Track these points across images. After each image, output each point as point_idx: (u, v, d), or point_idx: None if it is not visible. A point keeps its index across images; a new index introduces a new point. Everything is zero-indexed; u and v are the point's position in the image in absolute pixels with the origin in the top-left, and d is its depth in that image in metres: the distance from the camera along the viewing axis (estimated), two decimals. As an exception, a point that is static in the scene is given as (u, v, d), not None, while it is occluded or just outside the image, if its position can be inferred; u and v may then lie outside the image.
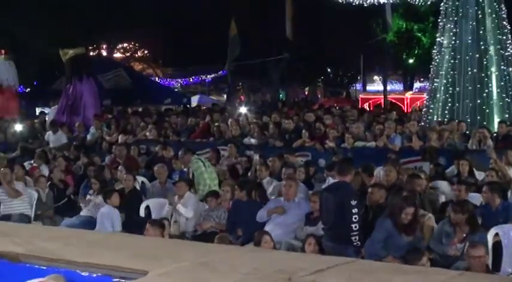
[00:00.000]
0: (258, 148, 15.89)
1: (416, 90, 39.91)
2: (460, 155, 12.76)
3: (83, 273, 5.95)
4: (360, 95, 40.10)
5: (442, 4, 19.11)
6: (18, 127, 19.58)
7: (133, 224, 10.59)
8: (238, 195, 10.68)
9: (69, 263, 6.14)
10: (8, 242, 6.89)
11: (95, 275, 5.89)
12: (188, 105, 32.38)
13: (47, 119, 24.03)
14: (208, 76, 42.93)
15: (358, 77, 45.09)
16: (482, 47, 18.12)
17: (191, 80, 44.12)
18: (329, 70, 44.13)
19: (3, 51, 25.25)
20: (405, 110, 28.79)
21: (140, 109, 27.43)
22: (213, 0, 33.13)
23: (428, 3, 20.60)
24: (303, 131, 16.75)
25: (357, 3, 19.74)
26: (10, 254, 6.50)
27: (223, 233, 9.91)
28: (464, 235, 8.41)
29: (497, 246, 8.50)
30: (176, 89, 41.51)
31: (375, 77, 46.48)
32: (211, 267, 5.79)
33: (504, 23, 18.29)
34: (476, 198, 9.96)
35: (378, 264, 6.19)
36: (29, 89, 33.71)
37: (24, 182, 12.38)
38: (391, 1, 21.88)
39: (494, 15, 18.23)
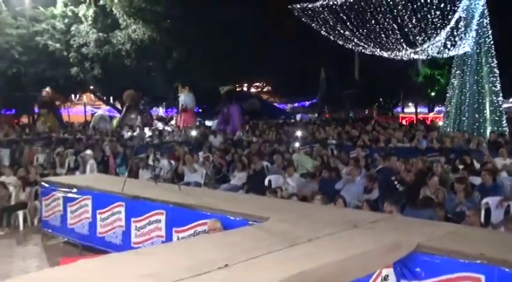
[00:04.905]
0: (336, 146, 15.77)
1: (436, 112, 38.42)
2: (464, 153, 12.29)
3: (231, 218, 6.08)
4: (400, 115, 39.29)
5: (454, 58, 18.67)
6: (194, 132, 20.17)
7: (260, 190, 10.70)
8: (324, 174, 10.63)
9: (222, 211, 6.29)
10: (200, 198, 7.12)
11: (238, 219, 6.01)
12: (294, 120, 32.55)
13: (211, 126, 24.81)
14: (306, 102, 43.01)
15: (399, 103, 44.09)
16: (480, 85, 17.71)
17: (296, 105, 44.32)
18: (381, 99, 43.15)
19: (187, 87, 26.07)
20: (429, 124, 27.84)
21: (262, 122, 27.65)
22: (310, 57, 33.04)
23: (445, 57, 19.96)
24: (364, 135, 16.61)
25: (399, 58, 19.30)
26: (190, 205, 6.71)
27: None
28: (463, 200, 8.10)
29: (488, 211, 8.15)
30: (287, 110, 41.70)
31: (410, 103, 45.05)
32: (307, 217, 5.79)
33: (495, 70, 17.82)
34: (475, 180, 9.55)
35: (411, 219, 6.00)
36: (201, 110, 34.64)
37: (197, 163, 12.72)
38: (421, 57, 21.33)
39: (488, 65, 17.83)
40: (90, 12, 25.16)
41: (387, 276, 4.39)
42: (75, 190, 8.63)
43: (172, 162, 13.47)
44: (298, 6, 17.46)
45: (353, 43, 18.08)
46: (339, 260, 4.00)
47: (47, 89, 29.08)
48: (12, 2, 24.89)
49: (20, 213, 10.52)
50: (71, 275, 3.73)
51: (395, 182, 8.91)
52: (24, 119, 32.76)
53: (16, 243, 9.59)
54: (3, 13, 24.48)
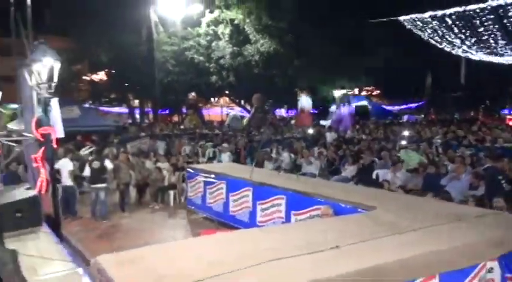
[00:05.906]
0: (442, 145, 14.68)
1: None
2: None
3: (342, 205, 5.98)
4: (507, 116, 35.42)
5: None
6: (311, 131, 20.10)
7: (368, 182, 10.34)
8: (430, 170, 9.96)
9: (334, 199, 6.20)
10: (315, 187, 7.10)
11: (348, 207, 5.89)
12: (401, 120, 30.96)
13: (325, 125, 24.56)
14: (413, 104, 40.72)
15: (506, 105, 39.84)
16: None
17: (403, 107, 42.07)
18: (487, 101, 39.28)
19: (305, 91, 26.09)
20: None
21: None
22: (418, 63, 31.06)
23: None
24: (469, 135, 15.24)
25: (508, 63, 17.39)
26: (306, 192, 6.73)
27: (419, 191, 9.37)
28: None
29: None
30: (394, 112, 39.80)
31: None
32: (412, 208, 5.49)
33: None
34: None
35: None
36: (317, 111, 34.21)
37: (313, 157, 12.64)
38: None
39: None
40: (227, 30, 26.43)
41: (492, 268, 4.02)
42: (213, 176, 9.10)
43: (292, 155, 13.57)
44: (406, 17, 16.56)
45: (461, 50, 16.71)
46: (441, 249, 3.76)
47: (193, 93, 31.09)
48: (167, 25, 26.92)
49: (171, 193, 11.41)
50: (209, 244, 3.97)
51: (502, 182, 8.03)
52: (175, 118, 35.39)
53: (168, 216, 10.39)
54: (161, 34, 26.60)
